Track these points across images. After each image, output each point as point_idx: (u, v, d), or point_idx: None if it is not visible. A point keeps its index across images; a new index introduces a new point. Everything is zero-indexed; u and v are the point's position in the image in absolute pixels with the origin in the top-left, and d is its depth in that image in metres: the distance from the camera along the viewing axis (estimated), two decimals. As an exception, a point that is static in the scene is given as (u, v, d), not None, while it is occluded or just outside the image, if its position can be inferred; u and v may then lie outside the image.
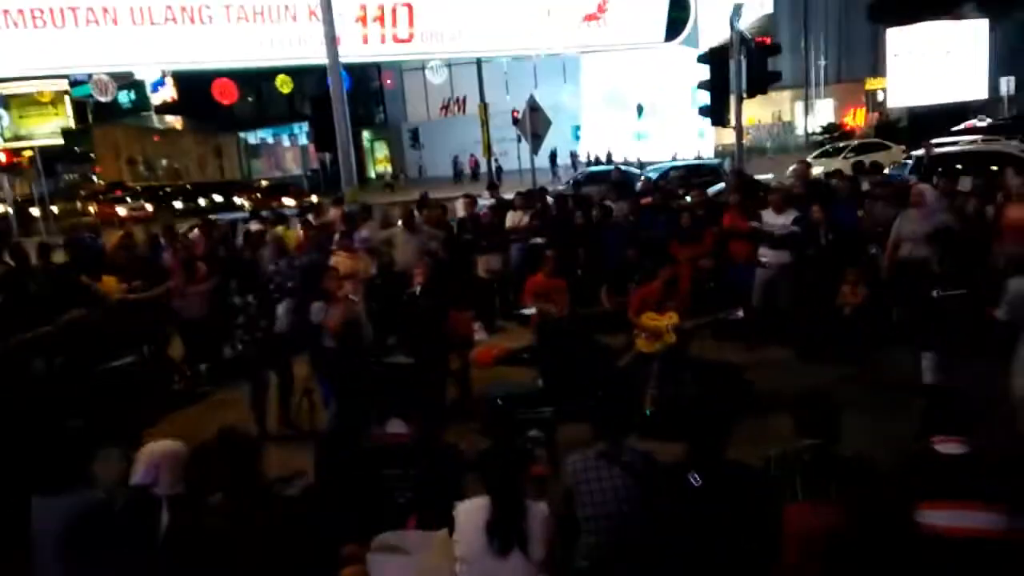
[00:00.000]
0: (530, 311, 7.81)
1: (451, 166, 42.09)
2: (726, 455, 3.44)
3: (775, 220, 8.19)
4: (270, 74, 26.49)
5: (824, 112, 42.75)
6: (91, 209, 37.28)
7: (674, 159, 31.87)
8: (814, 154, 24.86)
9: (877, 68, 40.80)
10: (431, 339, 6.80)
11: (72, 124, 60.73)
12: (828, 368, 7.02)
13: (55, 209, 36.74)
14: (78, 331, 6.67)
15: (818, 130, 38.59)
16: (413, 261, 8.56)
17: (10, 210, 28.82)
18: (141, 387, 7.04)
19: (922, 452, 3.16)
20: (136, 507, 3.38)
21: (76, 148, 61.36)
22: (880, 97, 41.75)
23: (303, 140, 47.18)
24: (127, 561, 3.32)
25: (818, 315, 7.76)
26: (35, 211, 30.86)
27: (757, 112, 37.49)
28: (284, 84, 26.09)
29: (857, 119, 41.83)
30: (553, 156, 36.28)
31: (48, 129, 57.86)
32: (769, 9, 41.23)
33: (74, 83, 51.80)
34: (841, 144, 27.16)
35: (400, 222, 10.26)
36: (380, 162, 50.74)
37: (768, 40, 16.75)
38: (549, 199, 12.16)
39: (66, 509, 3.41)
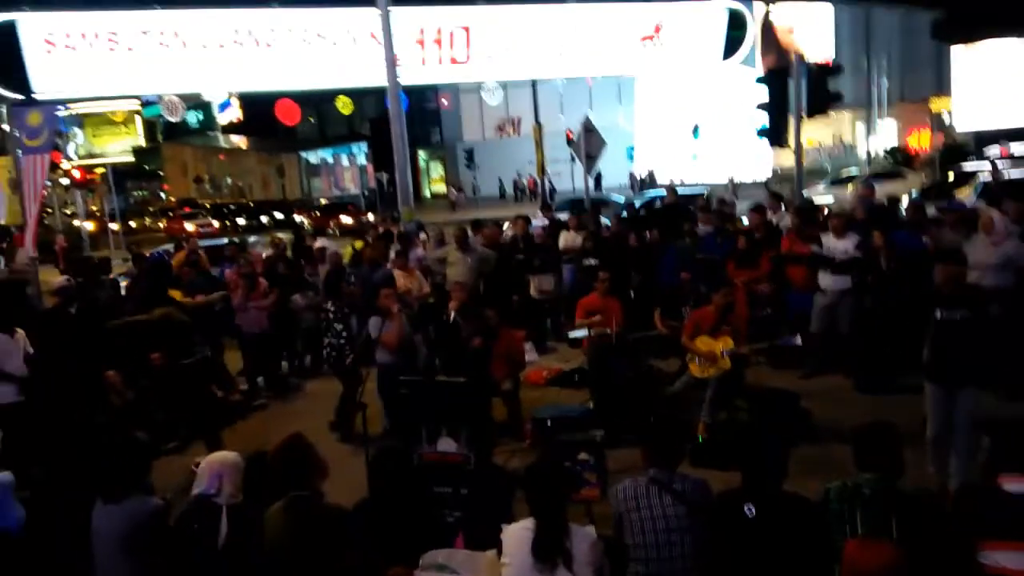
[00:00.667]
0: (581, 332, 7.78)
1: (508, 185, 42.51)
2: (782, 486, 3.36)
3: (836, 245, 8.01)
4: (331, 95, 27.11)
5: (887, 133, 41.67)
6: (160, 225, 38.73)
7: (731, 181, 31.52)
8: (823, 183, 22.86)
9: (942, 87, 39.66)
10: (467, 362, 6.84)
11: (143, 143, 63.41)
12: (888, 399, 6.81)
13: (133, 224, 38.45)
14: (167, 327, 6.98)
15: (881, 153, 37.63)
16: (465, 280, 8.66)
17: (85, 224, 30.06)
18: (209, 385, 7.36)
19: (988, 490, 3.05)
20: (197, 515, 3.48)
21: (146, 166, 63.98)
22: (946, 118, 40.54)
23: (361, 160, 48.14)
24: (186, 567, 3.41)
25: (878, 344, 7.54)
26: (114, 226, 32.18)
27: (817, 133, 36.79)
28: (344, 105, 26.68)
29: (921, 141, 40.64)
30: (598, 179, 36.22)
31: (120, 147, 60.43)
32: (830, 32, 40.61)
33: (145, 103, 54.03)
34: (854, 173, 25.95)
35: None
36: (435, 181, 51.41)
37: (829, 61, 16.46)
38: (603, 220, 12.12)
39: (127, 514, 3.54)
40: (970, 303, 5.07)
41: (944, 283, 5.15)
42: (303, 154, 52.01)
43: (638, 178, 37.77)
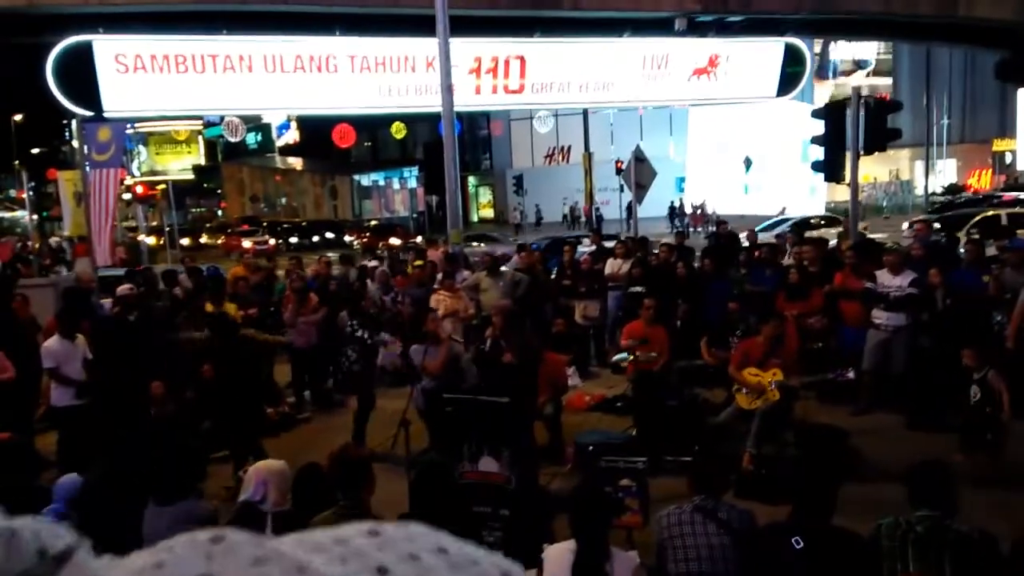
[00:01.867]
0: (625, 356, 7.74)
1: (546, 212, 42.87)
2: (831, 520, 3.29)
3: (891, 281, 7.85)
4: (386, 121, 27.69)
5: (946, 172, 40.81)
6: (218, 241, 39.89)
7: (782, 213, 31.09)
8: (760, 226, 20.35)
9: (1005, 129, 38.74)
10: (508, 383, 6.83)
11: (203, 161, 65.49)
12: (942, 438, 6.60)
13: (203, 240, 39.88)
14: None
15: (939, 190, 36.80)
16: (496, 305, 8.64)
17: (145, 239, 31.05)
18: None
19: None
20: (242, 521, 3.54)
21: (205, 184, 66.01)
22: (1009, 159, 39.54)
23: (412, 183, 48.88)
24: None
25: (932, 382, 7.33)
26: (185, 241, 33.36)
27: (873, 169, 36.15)
28: (398, 130, 27.20)
29: (982, 181, 39.68)
30: (629, 208, 36.04)
31: (181, 165, 62.52)
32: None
33: (207, 124, 55.89)
34: (781, 217, 24.45)
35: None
36: (484, 206, 51.89)
37: (887, 97, 16.19)
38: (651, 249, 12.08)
39: (177, 516, 3.62)
40: None
41: None
42: (356, 176, 53.07)
43: (675, 207, 37.45)
